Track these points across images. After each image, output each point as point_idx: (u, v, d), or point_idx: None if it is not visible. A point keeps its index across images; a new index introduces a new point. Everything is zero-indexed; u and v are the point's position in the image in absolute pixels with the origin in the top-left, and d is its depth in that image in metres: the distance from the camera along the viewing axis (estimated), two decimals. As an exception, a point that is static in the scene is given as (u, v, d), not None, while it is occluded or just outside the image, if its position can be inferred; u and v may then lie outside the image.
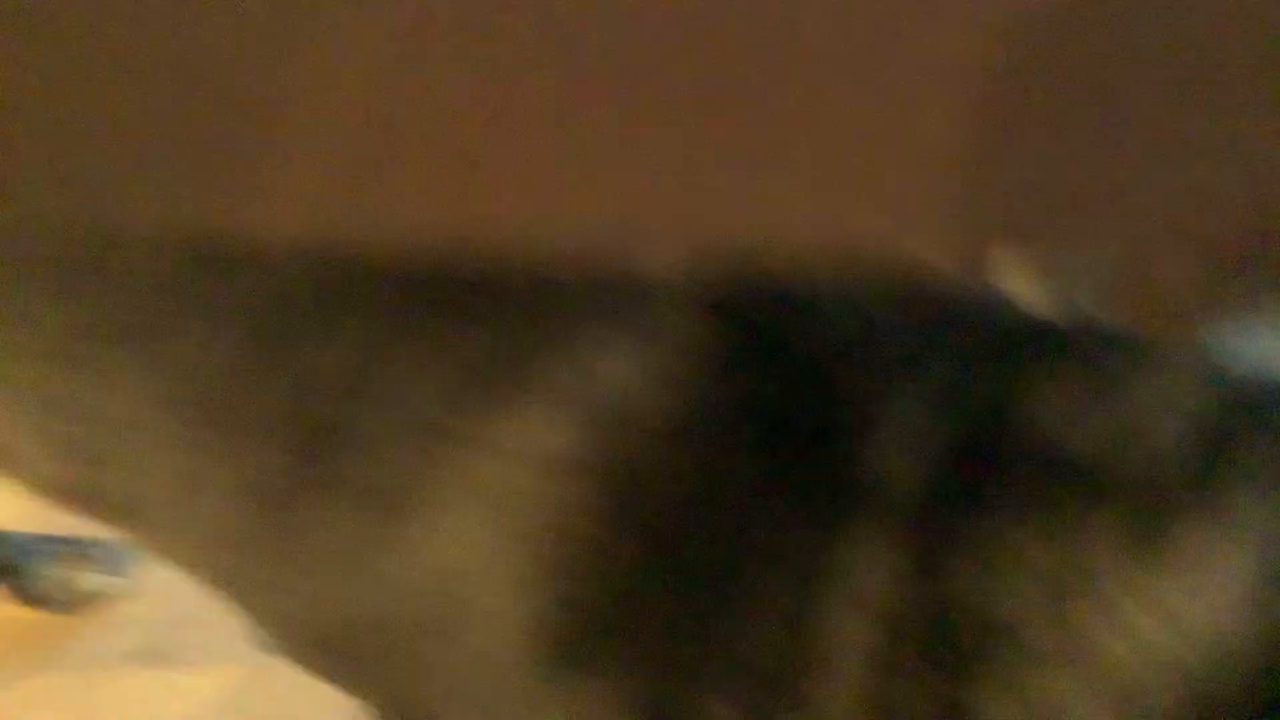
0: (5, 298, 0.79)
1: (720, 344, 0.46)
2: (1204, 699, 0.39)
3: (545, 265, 0.54)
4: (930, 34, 0.46)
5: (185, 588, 0.83)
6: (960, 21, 0.46)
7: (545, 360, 0.47)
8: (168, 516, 0.80)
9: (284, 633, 0.75)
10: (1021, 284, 0.58)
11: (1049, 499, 0.43)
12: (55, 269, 0.74)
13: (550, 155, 0.48)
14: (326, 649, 0.70)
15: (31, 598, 1.47)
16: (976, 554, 0.40)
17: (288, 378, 0.70)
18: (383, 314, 0.61)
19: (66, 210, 0.61)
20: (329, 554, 0.69)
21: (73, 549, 1.49)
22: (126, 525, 0.81)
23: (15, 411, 0.82)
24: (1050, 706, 0.40)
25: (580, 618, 0.37)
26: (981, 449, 0.45)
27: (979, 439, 0.45)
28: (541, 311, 0.52)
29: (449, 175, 0.50)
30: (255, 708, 1.27)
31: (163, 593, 1.43)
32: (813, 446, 0.43)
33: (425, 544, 0.53)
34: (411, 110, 0.49)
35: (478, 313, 0.57)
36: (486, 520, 0.45)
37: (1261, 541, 0.40)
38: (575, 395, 0.43)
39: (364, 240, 0.55)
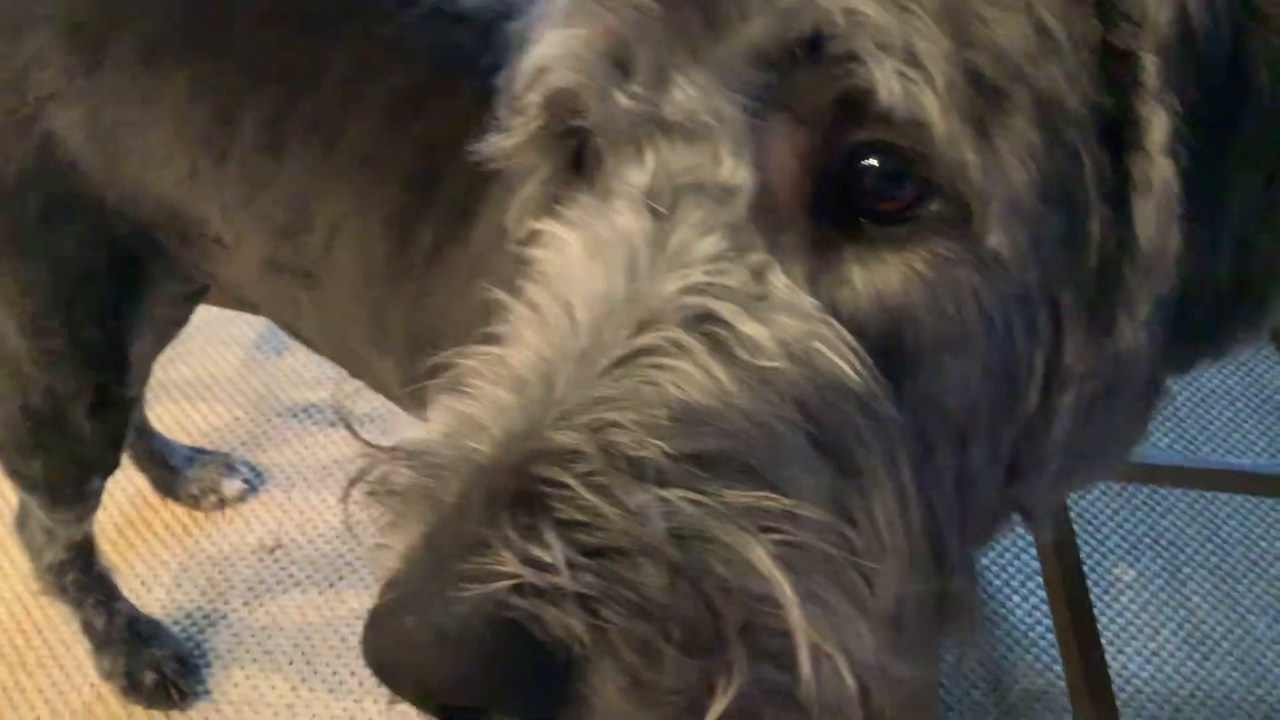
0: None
1: None
2: None
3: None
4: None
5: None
6: None
7: None
8: (326, 266, 0.97)
9: (405, 344, 0.94)
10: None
11: None
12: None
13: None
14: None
15: (184, 497, 1.69)
16: None
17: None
18: None
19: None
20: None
21: (218, 459, 1.70)
22: (307, 287, 0.99)
23: (241, 202, 0.97)
24: None
25: None
26: None
27: None
28: None
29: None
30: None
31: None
32: None
33: None
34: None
35: None
36: None
37: None
38: None
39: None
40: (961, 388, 0.48)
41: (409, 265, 0.94)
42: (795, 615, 0.42)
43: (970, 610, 0.53)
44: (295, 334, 1.15)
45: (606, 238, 0.49)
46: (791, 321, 0.47)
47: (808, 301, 0.47)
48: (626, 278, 0.47)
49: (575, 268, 0.49)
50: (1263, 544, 1.67)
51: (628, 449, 0.43)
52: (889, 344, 0.47)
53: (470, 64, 0.89)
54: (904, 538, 0.47)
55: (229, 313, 1.72)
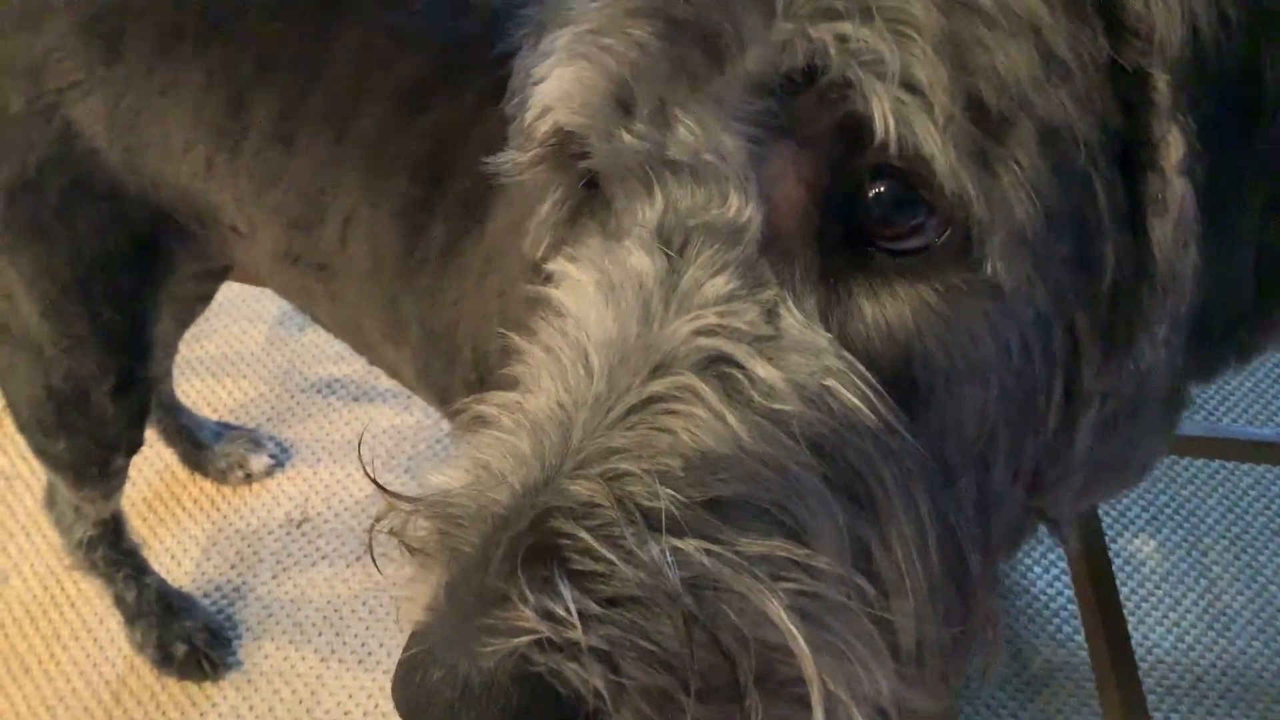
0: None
1: None
2: None
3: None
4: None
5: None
6: None
7: None
8: (340, 259, 0.98)
9: (420, 337, 0.97)
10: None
11: None
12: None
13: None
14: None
15: (212, 472, 1.71)
16: None
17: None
18: None
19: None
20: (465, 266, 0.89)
21: (245, 434, 1.72)
22: (322, 280, 1.02)
23: (255, 193, 0.98)
24: None
25: None
26: None
27: None
28: None
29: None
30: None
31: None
32: None
33: None
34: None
35: None
36: None
37: None
38: None
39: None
40: (979, 414, 0.48)
41: (422, 259, 0.94)
42: (810, 667, 0.43)
43: (995, 624, 0.52)
44: (314, 318, 1.16)
45: (619, 279, 0.49)
46: (804, 360, 0.46)
47: (821, 337, 0.47)
48: (639, 321, 0.47)
49: (589, 310, 0.49)
50: (1285, 514, 1.66)
51: (642, 499, 0.43)
52: (902, 374, 0.47)
53: (478, 54, 0.89)
54: (922, 572, 0.47)
55: (253, 290, 1.73)
